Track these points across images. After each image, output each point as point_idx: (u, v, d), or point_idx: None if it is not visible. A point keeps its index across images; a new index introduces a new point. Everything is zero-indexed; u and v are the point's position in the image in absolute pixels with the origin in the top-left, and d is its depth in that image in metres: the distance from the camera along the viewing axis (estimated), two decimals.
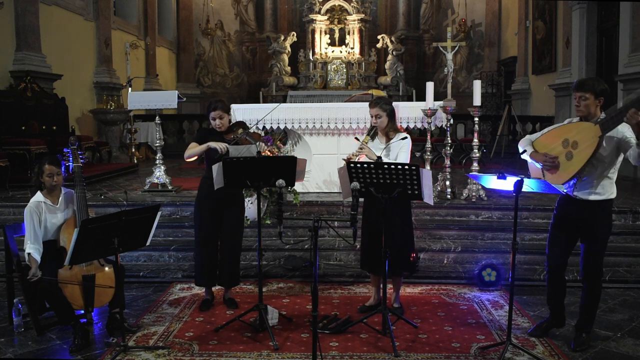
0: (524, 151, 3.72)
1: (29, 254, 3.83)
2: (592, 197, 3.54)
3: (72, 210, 4.07)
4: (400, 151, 4.16)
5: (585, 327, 3.72)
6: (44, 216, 3.95)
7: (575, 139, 3.45)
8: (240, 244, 4.49)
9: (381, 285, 4.01)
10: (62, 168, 4.04)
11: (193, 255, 4.68)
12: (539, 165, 3.62)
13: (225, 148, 4.13)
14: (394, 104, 4.39)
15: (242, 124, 4.40)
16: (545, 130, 3.76)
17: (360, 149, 4.17)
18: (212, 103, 4.33)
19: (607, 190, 3.54)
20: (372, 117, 4.28)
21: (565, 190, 3.59)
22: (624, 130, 3.37)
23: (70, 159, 4.08)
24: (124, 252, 3.72)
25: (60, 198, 4.05)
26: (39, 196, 3.99)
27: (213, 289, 4.62)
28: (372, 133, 4.28)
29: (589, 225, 3.60)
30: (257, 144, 4.21)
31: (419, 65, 16.40)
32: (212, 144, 4.16)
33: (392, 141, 4.20)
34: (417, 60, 16.41)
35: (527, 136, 3.83)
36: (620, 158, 3.50)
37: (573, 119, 3.68)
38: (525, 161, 3.81)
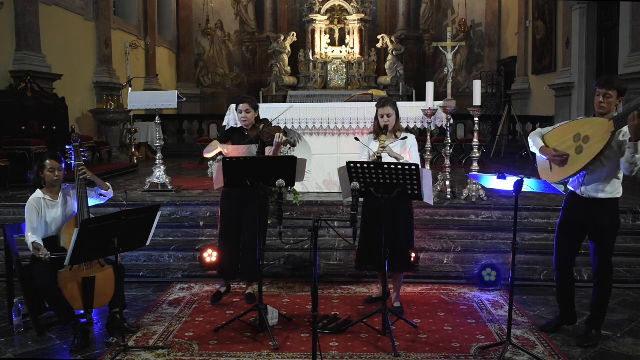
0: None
1: (33, 242, 3.84)
2: (599, 195, 3.59)
3: (72, 205, 4.06)
4: (411, 149, 4.24)
5: (595, 323, 3.76)
6: (43, 212, 3.96)
7: (587, 133, 3.50)
8: (258, 241, 4.45)
9: (386, 281, 4.06)
10: (63, 165, 4.03)
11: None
12: (545, 158, 3.66)
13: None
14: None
15: (265, 120, 4.49)
16: (557, 125, 3.82)
17: (382, 148, 4.11)
18: (242, 97, 4.54)
19: (615, 189, 3.60)
20: (382, 116, 4.25)
21: (565, 191, 3.60)
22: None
23: (73, 156, 4.04)
24: (124, 252, 3.71)
25: (60, 193, 4.06)
26: (38, 193, 3.99)
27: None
28: (385, 132, 4.22)
29: (595, 224, 3.64)
30: (279, 135, 4.28)
31: (419, 65, 16.39)
32: (225, 149, 4.38)
33: (398, 140, 4.26)
34: (417, 60, 16.40)
35: (538, 129, 3.89)
36: None
37: (584, 118, 3.71)
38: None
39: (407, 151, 4.26)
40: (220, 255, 4.59)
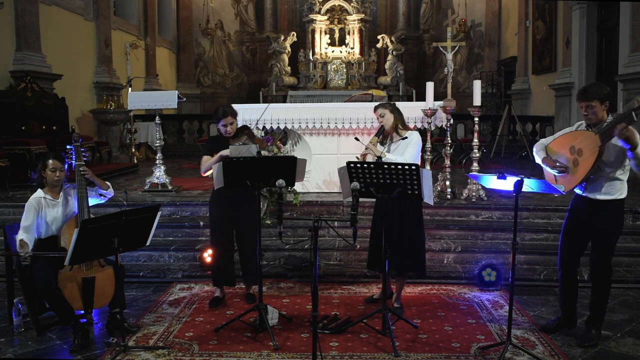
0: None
1: (20, 240, 3.85)
2: (601, 197, 3.61)
3: (73, 205, 4.06)
4: (408, 146, 4.20)
5: (595, 323, 3.77)
6: (44, 211, 3.96)
7: (580, 146, 3.54)
8: (258, 241, 4.43)
9: (388, 282, 4.05)
10: (66, 166, 4.04)
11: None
12: (552, 171, 3.70)
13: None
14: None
15: (246, 130, 4.44)
16: (557, 134, 3.85)
17: (366, 148, 4.21)
18: (222, 110, 4.34)
19: (617, 190, 3.60)
20: (377, 119, 4.32)
21: (564, 191, 3.61)
22: None
23: (73, 156, 4.04)
24: (124, 252, 3.71)
25: (61, 193, 4.06)
26: (39, 192, 4.01)
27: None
28: (380, 134, 4.28)
29: (596, 224, 3.66)
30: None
31: (419, 65, 16.40)
32: (224, 153, 4.18)
33: (399, 139, 4.26)
34: (417, 60, 16.41)
35: (542, 140, 3.92)
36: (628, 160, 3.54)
37: (582, 122, 3.71)
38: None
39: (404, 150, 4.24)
40: (213, 262, 4.58)
